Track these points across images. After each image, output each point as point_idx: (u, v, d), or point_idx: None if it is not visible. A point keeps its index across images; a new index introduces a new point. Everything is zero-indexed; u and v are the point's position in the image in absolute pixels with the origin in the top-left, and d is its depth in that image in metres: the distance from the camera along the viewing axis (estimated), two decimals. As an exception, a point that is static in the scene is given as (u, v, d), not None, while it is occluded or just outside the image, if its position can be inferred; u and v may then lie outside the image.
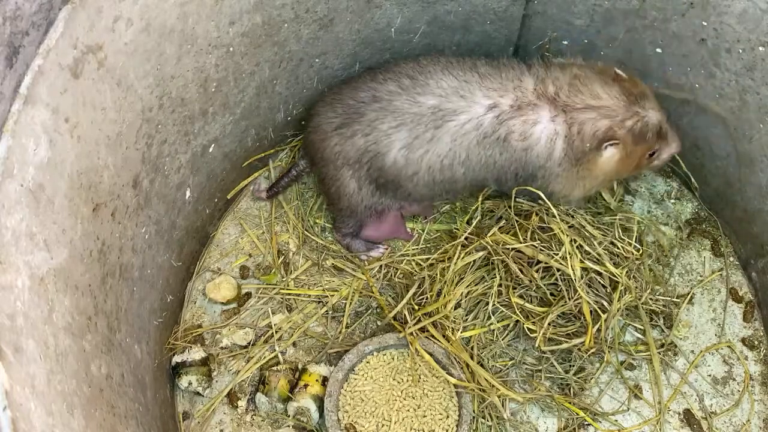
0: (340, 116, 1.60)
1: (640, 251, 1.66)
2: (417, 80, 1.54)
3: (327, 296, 1.73)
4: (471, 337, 1.61)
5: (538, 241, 1.58)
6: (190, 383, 1.62)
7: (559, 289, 1.57)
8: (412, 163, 1.54)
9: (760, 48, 1.40)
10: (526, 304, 1.58)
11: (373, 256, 1.77)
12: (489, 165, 1.54)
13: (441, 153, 1.52)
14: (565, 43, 1.74)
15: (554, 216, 1.60)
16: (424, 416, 1.58)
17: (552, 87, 1.50)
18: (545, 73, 1.53)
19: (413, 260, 1.74)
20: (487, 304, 1.61)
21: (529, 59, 1.60)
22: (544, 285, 1.57)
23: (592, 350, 1.60)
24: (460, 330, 1.60)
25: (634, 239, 1.65)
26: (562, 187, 1.59)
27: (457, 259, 1.61)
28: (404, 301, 1.62)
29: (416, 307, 1.61)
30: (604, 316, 1.55)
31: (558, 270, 1.56)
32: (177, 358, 1.64)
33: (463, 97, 1.50)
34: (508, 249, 1.58)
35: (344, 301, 1.72)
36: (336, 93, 1.64)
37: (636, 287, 1.61)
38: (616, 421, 1.63)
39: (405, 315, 1.61)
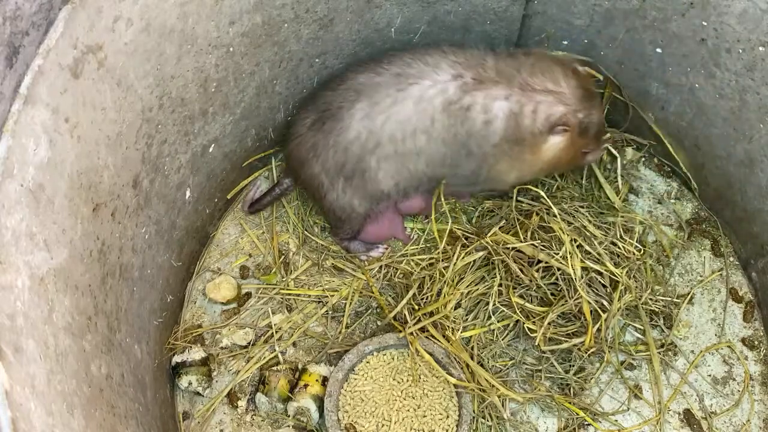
0: (312, 113, 1.61)
1: (642, 251, 1.66)
2: (380, 60, 1.56)
3: (327, 296, 1.73)
4: (471, 337, 1.61)
5: (539, 241, 1.58)
6: (190, 383, 1.62)
7: (559, 289, 1.57)
8: (373, 134, 1.52)
9: (760, 48, 1.40)
10: (527, 304, 1.58)
11: (372, 256, 1.77)
12: (449, 137, 1.52)
13: (403, 119, 1.50)
14: (565, 43, 1.74)
15: (555, 215, 1.60)
16: (424, 416, 1.58)
17: (513, 67, 1.51)
18: (507, 56, 1.55)
19: (413, 260, 1.74)
20: (487, 303, 1.61)
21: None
22: (545, 285, 1.57)
23: (593, 350, 1.60)
24: (460, 330, 1.60)
25: (635, 239, 1.65)
26: (501, 169, 1.58)
27: (457, 259, 1.61)
28: (404, 301, 1.62)
29: (416, 307, 1.61)
30: (604, 316, 1.55)
31: (558, 269, 1.56)
32: (177, 358, 1.64)
33: (428, 65, 1.51)
34: (509, 249, 1.58)
35: (344, 301, 1.72)
36: (310, 96, 1.66)
37: (636, 287, 1.61)
38: (616, 421, 1.63)
39: (405, 315, 1.61)
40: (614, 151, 1.79)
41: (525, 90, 1.49)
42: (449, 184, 1.67)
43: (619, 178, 1.79)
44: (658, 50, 1.62)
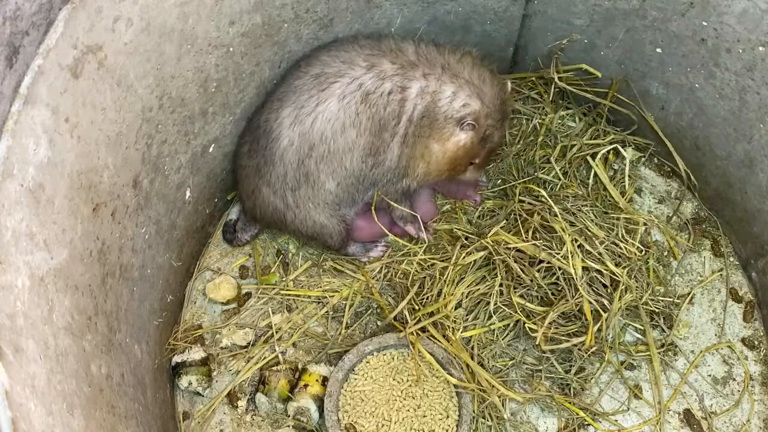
0: (247, 139, 1.62)
1: (643, 252, 1.66)
2: (299, 64, 1.58)
3: (327, 297, 1.73)
4: (471, 337, 1.61)
5: (540, 240, 1.58)
6: (190, 383, 1.62)
7: (560, 289, 1.57)
8: (306, 138, 1.52)
9: (760, 48, 1.40)
10: (527, 304, 1.58)
11: (373, 256, 1.76)
12: (374, 126, 1.52)
13: (330, 117, 1.51)
14: (564, 43, 1.74)
15: (556, 215, 1.60)
16: (424, 416, 1.58)
17: (438, 53, 1.53)
18: (432, 45, 1.56)
19: (414, 260, 1.73)
20: (488, 303, 1.60)
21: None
22: (545, 285, 1.57)
23: (593, 349, 1.60)
24: (461, 330, 1.60)
25: (637, 239, 1.65)
26: (415, 155, 1.58)
27: (458, 259, 1.61)
28: (404, 302, 1.61)
29: (418, 307, 1.61)
30: (604, 316, 1.54)
31: (560, 269, 1.55)
32: (177, 358, 1.64)
33: (344, 62, 1.52)
34: (510, 249, 1.58)
35: (344, 302, 1.72)
36: (245, 127, 1.67)
37: (637, 287, 1.61)
38: (616, 421, 1.63)
39: (405, 315, 1.61)
40: (622, 150, 1.78)
41: (446, 72, 1.50)
42: (383, 189, 1.66)
43: (626, 178, 1.78)
44: (658, 50, 1.62)
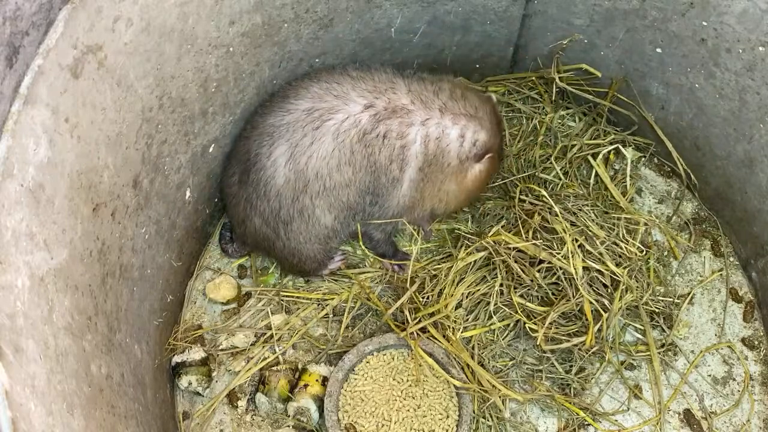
0: (235, 167, 1.60)
1: (644, 252, 1.66)
2: (287, 94, 1.54)
3: (326, 300, 1.73)
4: (471, 337, 1.61)
5: (541, 241, 1.58)
6: (190, 383, 1.62)
7: (560, 289, 1.57)
8: (301, 175, 1.50)
9: (760, 48, 1.40)
10: (528, 304, 1.58)
11: (331, 269, 1.74)
12: (370, 164, 1.51)
13: (325, 155, 1.48)
14: (565, 43, 1.74)
15: (557, 215, 1.60)
16: (424, 416, 1.58)
17: (430, 91, 1.51)
18: (419, 80, 1.54)
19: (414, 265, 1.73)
20: (488, 304, 1.60)
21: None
22: (546, 285, 1.57)
23: (594, 349, 1.60)
24: (461, 330, 1.60)
25: (638, 239, 1.65)
26: (425, 196, 1.59)
27: (458, 259, 1.61)
28: (400, 302, 1.61)
29: (420, 307, 1.61)
30: (605, 316, 1.55)
31: (560, 269, 1.55)
32: (177, 358, 1.64)
33: (337, 97, 1.49)
34: (510, 249, 1.58)
35: (344, 304, 1.72)
36: (230, 151, 1.65)
37: (637, 287, 1.61)
38: (616, 421, 1.63)
39: (406, 315, 1.61)
40: (623, 150, 1.79)
41: (445, 114, 1.50)
42: (379, 218, 1.63)
43: (628, 178, 1.79)
44: (658, 50, 1.62)
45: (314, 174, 1.50)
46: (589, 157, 1.79)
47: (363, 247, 1.74)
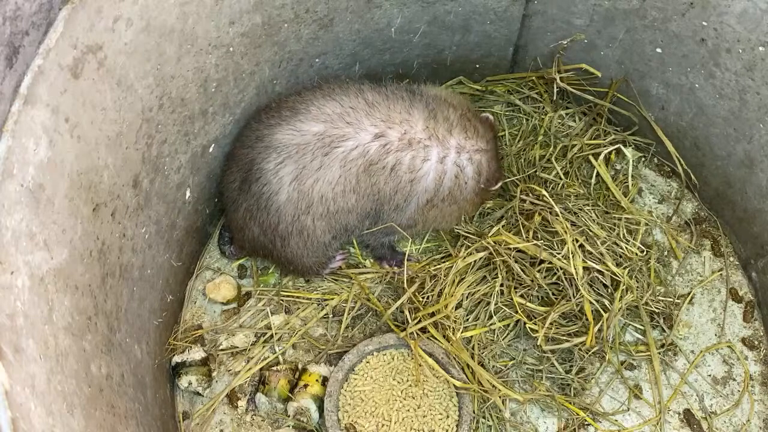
0: (236, 173, 1.59)
1: (645, 252, 1.66)
2: (297, 110, 1.52)
3: (326, 300, 1.73)
4: (471, 337, 1.61)
5: (541, 240, 1.58)
6: (190, 383, 1.62)
7: (560, 289, 1.57)
8: (305, 196, 1.50)
9: (760, 48, 1.40)
10: (528, 304, 1.58)
11: (333, 268, 1.74)
12: (374, 193, 1.52)
13: (332, 180, 1.49)
14: (565, 43, 1.74)
15: (557, 215, 1.60)
16: (424, 416, 1.58)
17: (443, 127, 1.52)
18: (435, 109, 1.54)
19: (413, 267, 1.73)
20: (488, 304, 1.60)
21: (419, 83, 1.64)
22: (546, 285, 1.57)
23: (594, 350, 1.60)
24: (461, 330, 1.60)
25: (639, 240, 1.65)
26: (435, 218, 1.62)
27: (459, 259, 1.61)
28: (400, 301, 1.61)
29: (420, 308, 1.61)
30: (605, 316, 1.55)
31: (561, 269, 1.55)
32: (177, 358, 1.64)
33: (350, 124, 1.48)
34: (510, 249, 1.58)
35: (344, 305, 1.72)
36: (230, 153, 1.64)
37: (637, 287, 1.61)
38: (616, 421, 1.63)
39: (406, 315, 1.61)
40: (625, 150, 1.79)
41: (461, 153, 1.53)
42: (376, 231, 1.65)
43: (630, 178, 1.78)
44: (658, 50, 1.62)
45: (319, 197, 1.50)
46: (591, 157, 1.79)
47: (359, 255, 1.76)
